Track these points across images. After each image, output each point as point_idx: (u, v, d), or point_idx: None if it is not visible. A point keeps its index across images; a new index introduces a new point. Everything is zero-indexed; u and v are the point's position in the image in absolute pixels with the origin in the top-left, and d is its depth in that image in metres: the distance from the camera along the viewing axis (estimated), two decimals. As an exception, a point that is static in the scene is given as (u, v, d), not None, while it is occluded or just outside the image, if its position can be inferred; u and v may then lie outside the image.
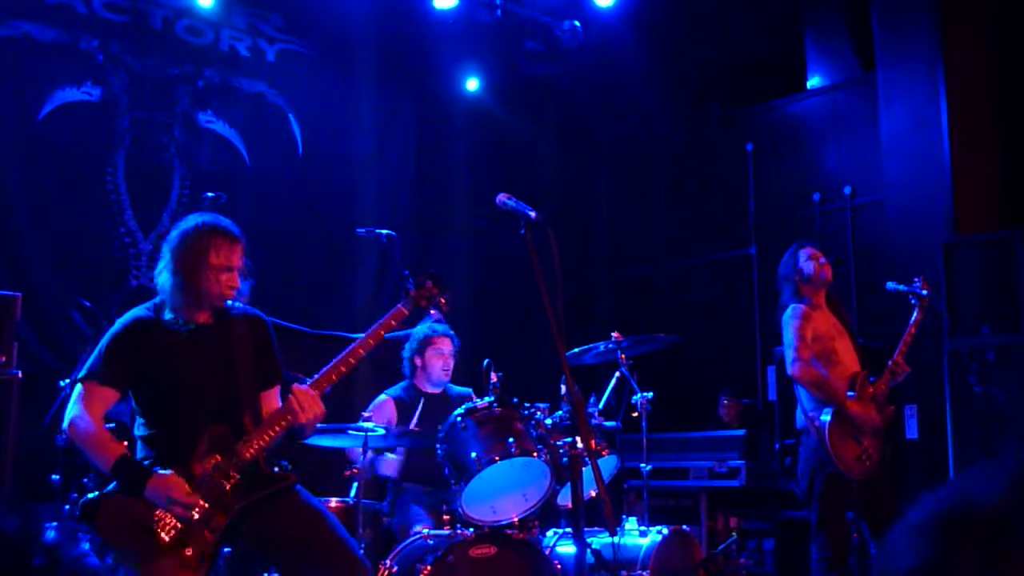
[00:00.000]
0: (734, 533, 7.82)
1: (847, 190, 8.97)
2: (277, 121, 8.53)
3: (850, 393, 5.46)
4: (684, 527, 5.89)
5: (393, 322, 4.14)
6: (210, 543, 3.71)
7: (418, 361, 6.07)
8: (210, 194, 6.14)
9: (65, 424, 3.88)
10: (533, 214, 3.82)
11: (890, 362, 5.60)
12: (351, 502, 5.16)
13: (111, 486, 3.77)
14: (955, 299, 7.13)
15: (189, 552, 3.66)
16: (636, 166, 10.58)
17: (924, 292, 5.87)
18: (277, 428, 3.89)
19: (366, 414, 5.36)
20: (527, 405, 4.98)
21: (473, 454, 4.65)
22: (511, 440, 4.66)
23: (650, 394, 6.09)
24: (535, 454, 4.69)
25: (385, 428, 5.14)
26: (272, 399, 4.13)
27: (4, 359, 5.70)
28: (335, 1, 8.35)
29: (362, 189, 8.93)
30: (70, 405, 3.89)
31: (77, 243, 7.37)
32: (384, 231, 6.55)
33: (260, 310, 4.26)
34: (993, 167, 8.07)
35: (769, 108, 9.87)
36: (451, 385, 6.16)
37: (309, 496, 4.02)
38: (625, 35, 9.19)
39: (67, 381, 5.99)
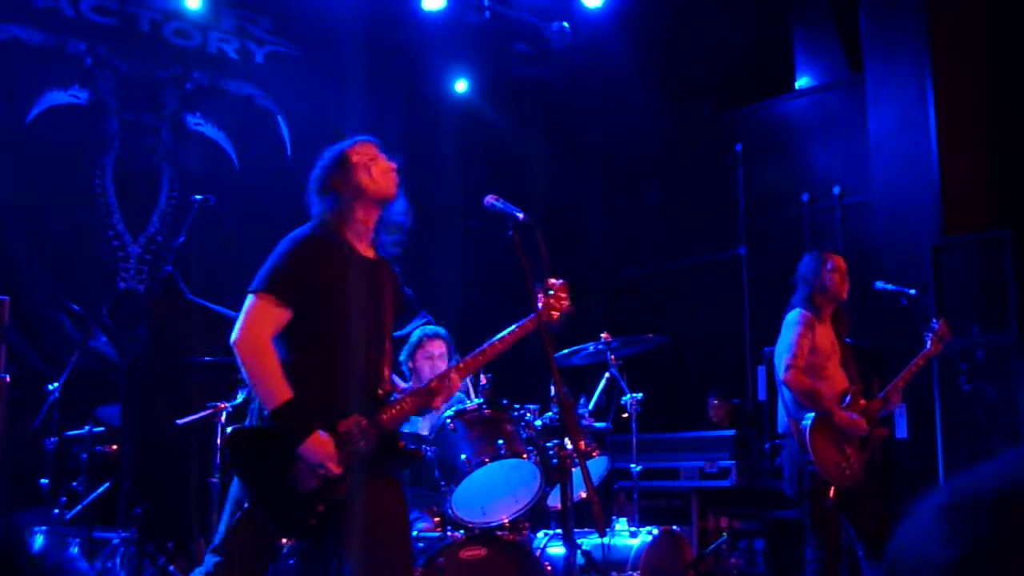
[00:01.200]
0: (724, 533, 7.83)
1: (836, 190, 8.98)
2: (265, 123, 8.53)
3: (845, 399, 5.47)
4: (674, 527, 5.89)
5: (530, 327, 4.03)
6: (337, 504, 3.60)
7: (410, 364, 6.08)
8: (199, 196, 6.14)
9: (236, 339, 3.59)
10: (521, 215, 3.82)
11: (890, 386, 5.60)
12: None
13: (263, 422, 3.62)
14: (944, 299, 7.15)
15: (320, 508, 3.58)
16: (626, 167, 10.59)
17: (912, 292, 5.88)
18: (417, 403, 3.81)
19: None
20: (516, 406, 4.98)
21: (463, 456, 4.64)
22: (501, 442, 4.66)
23: (640, 395, 6.10)
24: (525, 456, 4.69)
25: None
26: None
27: (-8, 363, 5.68)
28: (323, 3, 8.34)
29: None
30: (242, 320, 3.61)
31: (65, 246, 7.36)
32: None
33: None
34: (981, 167, 8.09)
35: (758, 109, 9.88)
36: None
37: (403, 491, 3.91)
38: (614, 36, 9.20)
39: (56, 385, 5.98)
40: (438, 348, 6.02)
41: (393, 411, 3.73)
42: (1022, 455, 1.06)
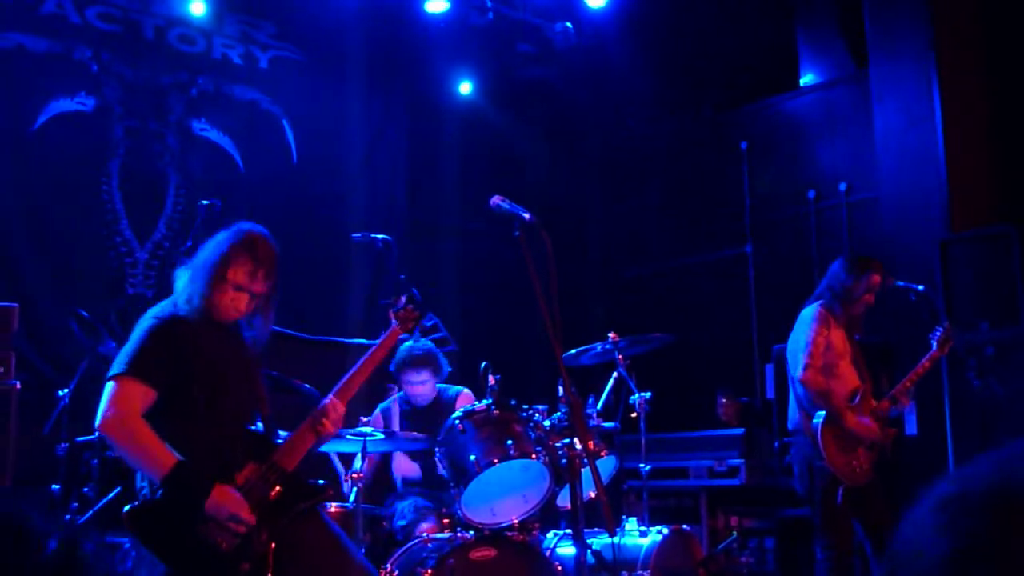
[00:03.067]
0: (735, 532, 7.82)
1: (842, 187, 8.97)
2: (271, 128, 8.54)
3: (855, 398, 5.46)
4: (684, 527, 5.88)
5: (390, 342, 4.25)
6: (261, 556, 3.59)
7: (400, 382, 6.03)
8: (205, 202, 6.15)
9: (102, 424, 3.56)
10: (527, 216, 3.83)
11: (897, 386, 5.59)
12: (350, 507, 5.16)
13: (156, 494, 3.57)
14: (952, 295, 7.13)
15: (246, 566, 3.56)
16: (630, 166, 10.58)
17: (921, 288, 5.87)
18: (307, 437, 3.87)
19: (374, 417, 5.37)
20: (525, 407, 4.98)
21: (472, 457, 4.65)
22: (510, 442, 4.66)
23: (648, 394, 6.09)
24: (534, 456, 4.69)
25: (383, 432, 5.15)
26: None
27: (2, 370, 5.70)
28: (327, 7, 8.35)
29: (356, 194, 8.93)
30: (105, 404, 3.59)
31: (73, 253, 7.37)
32: (379, 236, 6.55)
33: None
34: (988, 162, 8.08)
35: (763, 106, 9.87)
36: (446, 387, 6.13)
37: (327, 516, 3.99)
38: (617, 36, 9.21)
39: (65, 391, 5.99)
40: (419, 376, 5.89)
41: (287, 449, 3.79)
42: (1015, 450, 1.06)
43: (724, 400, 8.84)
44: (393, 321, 4.27)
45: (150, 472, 3.55)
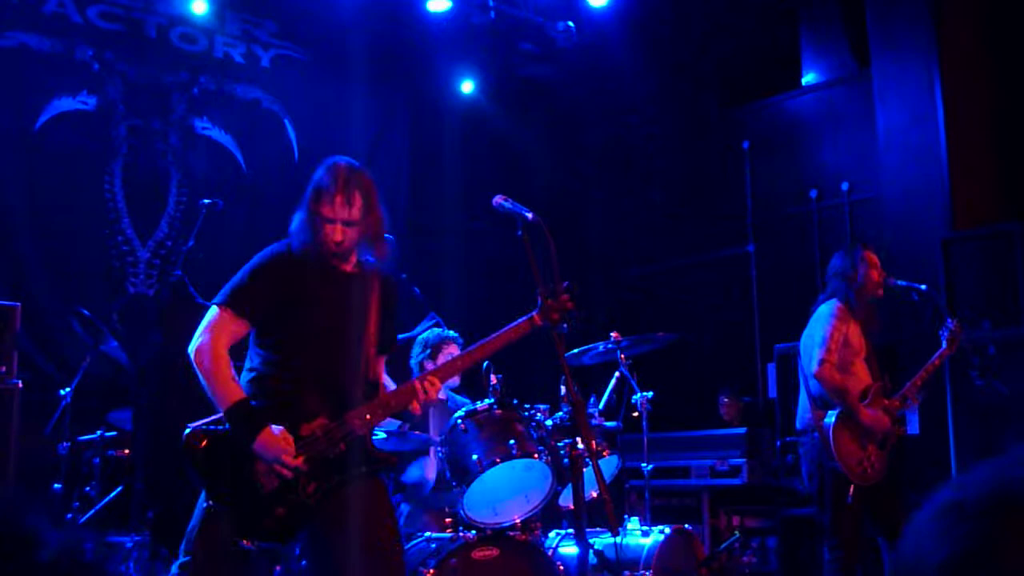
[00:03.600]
0: (737, 531, 7.82)
1: (844, 186, 8.97)
2: (273, 126, 8.54)
3: (867, 397, 5.46)
4: (686, 526, 5.88)
5: (524, 328, 3.93)
6: (301, 507, 3.62)
7: (428, 366, 6.06)
8: (207, 200, 6.15)
9: (191, 348, 3.70)
10: (530, 215, 3.81)
11: (908, 384, 5.59)
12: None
13: (212, 425, 3.67)
14: (955, 294, 7.13)
15: (281, 511, 3.60)
16: (632, 164, 10.58)
17: (923, 287, 5.87)
18: (391, 407, 3.80)
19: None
20: (527, 406, 4.98)
21: (474, 456, 4.64)
22: (512, 442, 4.65)
23: (650, 393, 6.09)
24: (536, 455, 4.68)
25: (386, 432, 5.14)
26: (380, 366, 4.07)
27: (4, 369, 5.70)
28: (328, 6, 8.34)
29: (359, 193, 8.91)
30: (200, 329, 3.73)
31: (75, 252, 7.38)
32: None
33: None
34: (990, 161, 8.07)
35: (765, 105, 9.87)
36: (453, 395, 6.15)
37: (386, 489, 3.92)
38: (619, 34, 9.20)
39: (67, 390, 6.00)
40: (457, 352, 6.00)
41: (365, 415, 3.73)
42: (1013, 457, 1.06)
43: (726, 400, 8.84)
44: (538, 304, 3.86)
45: (218, 402, 3.65)
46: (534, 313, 3.88)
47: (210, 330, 3.74)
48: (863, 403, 5.43)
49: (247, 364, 3.83)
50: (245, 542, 3.58)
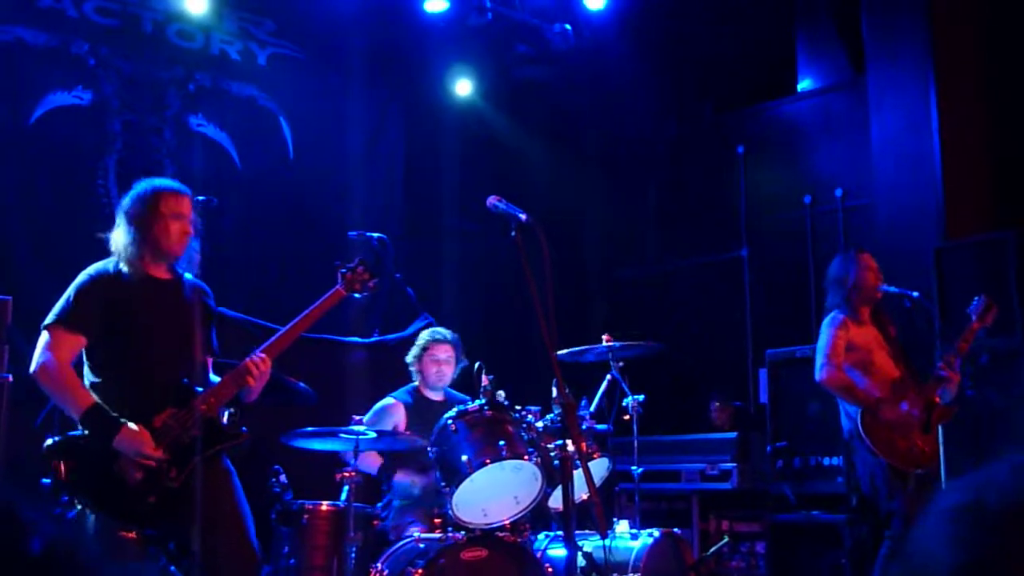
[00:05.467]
0: (726, 536, 7.83)
1: (838, 192, 8.98)
2: (268, 125, 8.52)
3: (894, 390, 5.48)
4: (676, 530, 5.89)
5: (331, 302, 4.43)
6: (169, 492, 3.89)
7: (417, 366, 6.09)
8: (201, 197, 6.12)
9: (33, 368, 4.00)
10: (524, 216, 3.83)
11: (939, 364, 5.61)
12: (342, 505, 5.15)
13: (76, 432, 3.94)
14: (947, 302, 7.13)
15: (152, 499, 3.86)
16: (627, 168, 10.58)
17: (915, 295, 5.89)
18: (230, 387, 4.12)
19: (369, 418, 5.37)
20: (518, 408, 4.98)
21: (464, 457, 4.65)
22: (502, 443, 4.66)
23: (641, 396, 6.09)
24: (526, 457, 4.69)
25: (376, 432, 5.13)
26: (208, 365, 4.39)
27: (-5, 363, 5.68)
28: (326, 5, 8.34)
29: (353, 192, 8.91)
30: (37, 352, 4.05)
31: (67, 246, 7.34)
32: (375, 234, 6.57)
33: (253, 313, 4.47)
34: (984, 170, 8.09)
35: (760, 110, 9.88)
36: (453, 392, 6.16)
37: (232, 473, 4.19)
38: (616, 37, 9.21)
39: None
40: (445, 352, 6.03)
41: (208, 398, 4.05)
42: None
43: (717, 404, 8.85)
44: (339, 281, 4.43)
45: (71, 413, 3.96)
46: (338, 286, 4.44)
47: (47, 350, 4.03)
48: (893, 396, 5.47)
49: (85, 381, 4.10)
50: (125, 533, 3.88)
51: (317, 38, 8.71)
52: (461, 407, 4.89)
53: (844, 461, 5.89)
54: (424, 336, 6.09)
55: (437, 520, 4.99)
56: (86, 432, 3.91)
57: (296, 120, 8.65)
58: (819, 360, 5.53)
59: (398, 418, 5.91)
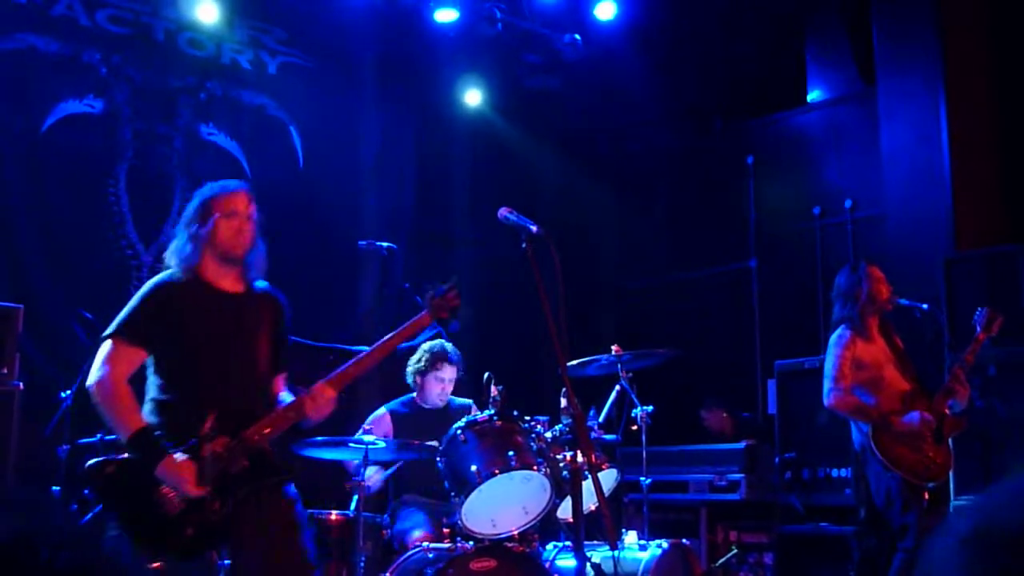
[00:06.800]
0: (734, 547, 7.81)
1: (848, 204, 8.97)
2: (278, 134, 8.55)
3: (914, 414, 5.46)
4: (684, 541, 5.88)
5: (414, 330, 4.14)
6: (210, 525, 3.71)
7: (418, 380, 6.07)
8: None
9: (90, 382, 3.80)
10: (535, 228, 3.83)
11: (948, 377, 5.61)
12: (351, 515, 5.16)
13: (119, 455, 3.79)
14: (956, 314, 7.12)
15: (190, 532, 3.68)
16: (637, 179, 10.59)
17: (925, 307, 5.88)
18: (288, 418, 3.91)
19: (366, 427, 5.37)
20: (527, 418, 4.98)
21: (473, 467, 4.64)
22: (511, 453, 4.66)
23: (650, 407, 6.09)
24: (535, 467, 4.68)
25: (385, 441, 5.14)
26: (278, 385, 4.16)
27: (6, 371, 5.70)
28: (336, 15, 8.37)
29: (363, 202, 8.93)
30: (96, 363, 3.83)
31: (79, 255, 7.38)
32: (385, 244, 6.58)
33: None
34: (994, 182, 8.08)
35: (770, 121, 9.88)
36: (453, 398, 6.15)
37: (295, 501, 3.98)
38: (625, 48, 9.22)
39: (68, 392, 6.00)
40: (450, 373, 6.00)
41: (263, 429, 3.83)
42: None
43: (706, 413, 8.84)
44: (426, 306, 4.08)
45: (119, 432, 3.79)
46: (424, 313, 4.07)
47: (106, 363, 3.83)
48: (904, 409, 5.46)
49: (149, 394, 3.92)
50: (155, 565, 3.67)
51: (327, 48, 8.74)
52: (471, 417, 4.89)
53: (854, 474, 5.88)
54: (432, 351, 6.04)
55: (446, 530, 4.99)
56: (129, 455, 3.75)
57: (306, 129, 8.67)
58: (827, 385, 5.53)
59: (384, 429, 5.91)
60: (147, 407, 3.87)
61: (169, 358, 3.90)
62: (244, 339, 3.99)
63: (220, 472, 3.72)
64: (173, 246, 4.04)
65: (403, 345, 6.18)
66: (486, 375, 5.03)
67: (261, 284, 4.18)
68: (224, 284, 4.03)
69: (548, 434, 5.04)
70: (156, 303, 3.91)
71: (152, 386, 3.91)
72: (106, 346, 3.86)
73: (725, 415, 8.82)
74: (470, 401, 6.09)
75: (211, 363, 3.88)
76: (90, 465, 3.74)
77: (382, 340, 4.09)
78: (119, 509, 3.71)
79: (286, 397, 4.12)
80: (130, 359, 3.86)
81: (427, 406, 6.06)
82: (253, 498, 3.79)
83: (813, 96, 9.47)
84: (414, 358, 6.09)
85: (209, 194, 4.10)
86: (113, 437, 6.28)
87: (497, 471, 4.60)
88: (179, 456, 3.69)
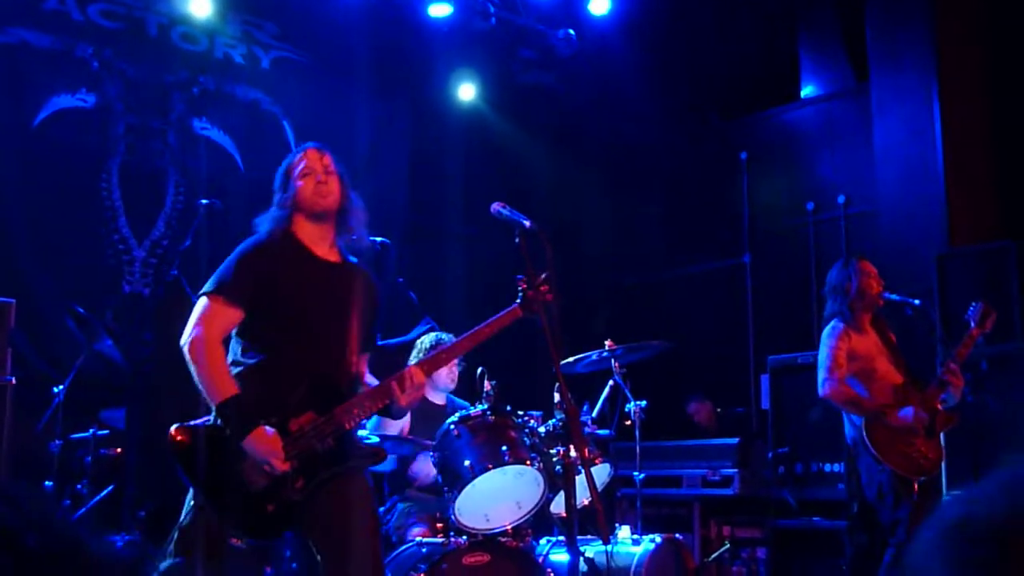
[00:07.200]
0: (727, 542, 7.83)
1: (841, 199, 8.99)
2: (271, 128, 8.53)
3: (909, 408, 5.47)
4: (677, 535, 5.88)
5: (505, 322, 3.98)
6: (290, 504, 3.59)
7: None
8: (205, 200, 6.15)
9: (184, 341, 3.65)
10: (528, 223, 3.82)
11: (941, 371, 5.62)
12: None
13: (203, 421, 3.62)
14: (949, 310, 7.14)
15: (270, 508, 3.58)
16: (630, 174, 10.59)
17: (917, 302, 5.89)
18: (377, 400, 3.80)
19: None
20: (521, 413, 4.98)
21: (467, 462, 4.64)
22: (505, 448, 4.66)
23: (643, 402, 6.09)
24: (528, 462, 4.69)
25: (379, 436, 5.14)
26: (363, 364, 4.06)
27: (-2, 365, 5.69)
28: (330, 9, 8.36)
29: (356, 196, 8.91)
30: (191, 322, 3.68)
31: (71, 249, 7.36)
32: (378, 238, 6.55)
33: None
34: (987, 178, 8.10)
35: (764, 117, 9.90)
36: (455, 398, 6.15)
37: (372, 490, 3.89)
38: (620, 44, 9.22)
39: (60, 388, 5.99)
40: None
41: (352, 409, 3.72)
42: (1018, 476, 1.05)
43: (694, 406, 8.86)
44: (519, 298, 3.88)
45: (210, 396, 3.60)
46: (516, 305, 3.92)
47: (200, 320, 3.69)
48: (896, 402, 5.47)
49: (231, 357, 3.77)
50: (235, 540, 3.60)
51: (321, 42, 8.72)
52: (464, 412, 4.89)
53: (846, 468, 5.88)
54: (429, 340, 6.04)
55: (439, 524, 4.99)
56: (218, 423, 3.58)
57: (299, 123, 8.66)
58: (821, 375, 5.54)
59: (403, 421, 5.91)
60: (231, 371, 3.72)
61: (262, 323, 3.75)
62: (338, 309, 3.85)
63: (307, 449, 3.61)
64: (268, 215, 3.95)
65: (399, 340, 6.19)
66: (479, 370, 5.03)
67: (355, 260, 4.06)
68: (319, 250, 3.92)
69: (541, 429, 5.05)
70: (253, 261, 3.78)
71: (240, 350, 3.76)
72: (202, 303, 3.73)
73: (711, 409, 8.84)
74: (468, 404, 6.09)
75: (305, 330, 3.75)
76: (173, 430, 3.56)
77: (473, 329, 4.01)
78: (201, 477, 3.55)
79: (371, 380, 4.04)
80: (227, 319, 3.71)
81: (432, 396, 6.02)
82: (334, 481, 3.67)
83: (806, 92, 9.49)
84: (415, 353, 6.09)
85: (284, 164, 4.07)
86: (105, 432, 6.30)
87: (490, 466, 4.61)
88: (269, 430, 3.55)
